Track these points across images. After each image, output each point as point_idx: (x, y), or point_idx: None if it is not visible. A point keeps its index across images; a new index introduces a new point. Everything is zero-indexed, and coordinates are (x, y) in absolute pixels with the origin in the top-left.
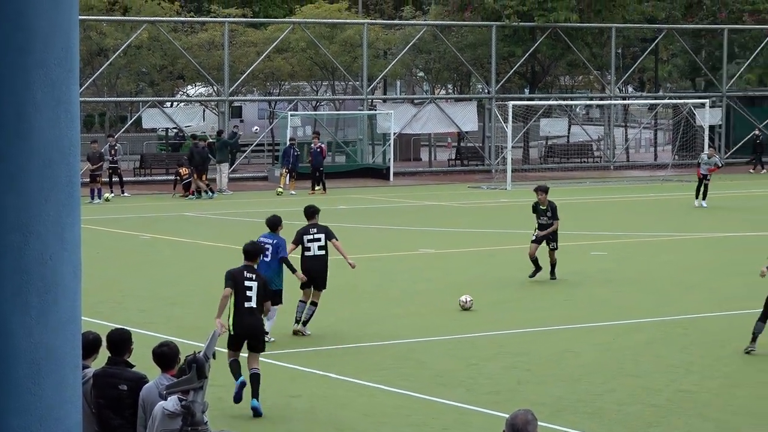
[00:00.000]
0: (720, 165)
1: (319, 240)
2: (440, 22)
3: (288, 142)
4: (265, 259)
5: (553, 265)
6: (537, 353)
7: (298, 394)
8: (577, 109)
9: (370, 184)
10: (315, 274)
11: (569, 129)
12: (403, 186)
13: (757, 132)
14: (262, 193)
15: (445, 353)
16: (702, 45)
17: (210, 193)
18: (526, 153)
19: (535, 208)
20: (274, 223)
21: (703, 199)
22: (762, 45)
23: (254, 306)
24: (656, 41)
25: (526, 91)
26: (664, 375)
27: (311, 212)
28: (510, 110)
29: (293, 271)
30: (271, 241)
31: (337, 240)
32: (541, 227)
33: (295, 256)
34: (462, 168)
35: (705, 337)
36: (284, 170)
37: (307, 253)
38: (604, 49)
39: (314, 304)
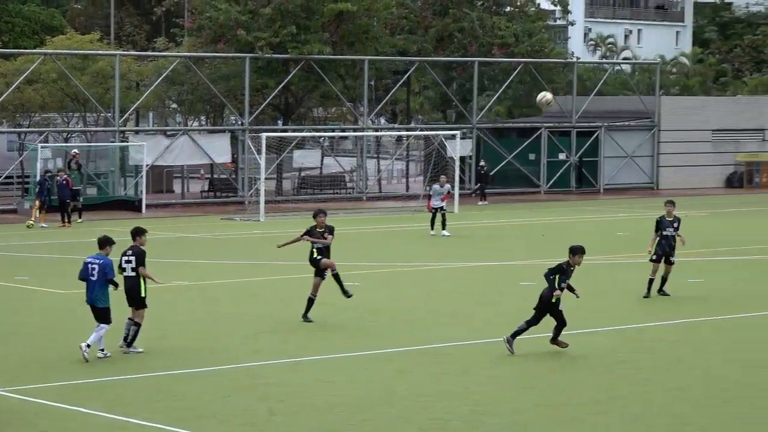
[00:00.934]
0: (451, 192)
1: (131, 262)
2: (193, 53)
3: (40, 175)
4: (92, 278)
5: (312, 299)
6: (291, 383)
7: (45, 431)
8: (321, 140)
9: (122, 216)
10: (128, 293)
11: (322, 160)
12: (155, 218)
13: (482, 163)
14: (11, 226)
15: (199, 385)
16: (453, 77)
17: None
18: (279, 184)
19: (310, 232)
20: (101, 244)
21: (443, 228)
22: (511, 77)
23: None
24: (408, 74)
25: (280, 122)
26: (416, 403)
27: (133, 233)
28: (263, 142)
29: (115, 286)
30: (98, 261)
31: (143, 267)
32: (320, 252)
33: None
34: (215, 200)
35: (456, 365)
36: (37, 202)
37: (124, 273)
38: (357, 81)
39: (136, 324)
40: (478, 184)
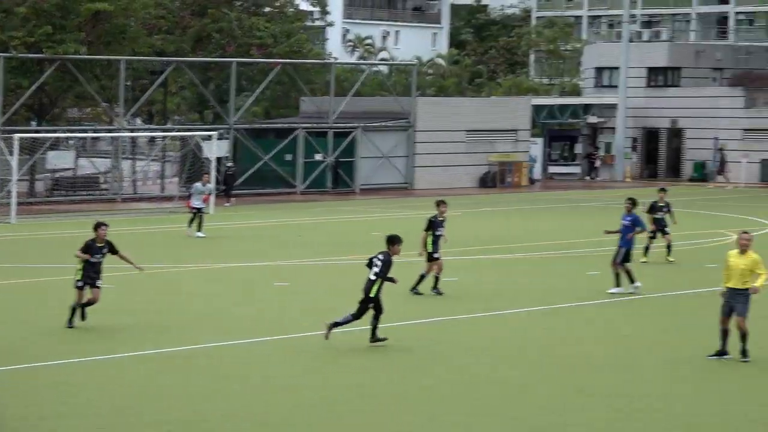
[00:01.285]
0: (212, 192)
1: None
2: None
3: None
4: None
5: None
6: (39, 387)
7: None
8: (73, 141)
9: None
10: None
11: (77, 161)
12: None
13: (229, 164)
14: None
15: None
16: (211, 78)
17: None
18: (32, 186)
19: (90, 247)
20: None
21: (199, 229)
22: (269, 78)
23: None
24: (165, 74)
25: (34, 123)
26: (167, 405)
27: None
28: (16, 143)
29: None
30: None
31: None
32: (92, 265)
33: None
34: None
35: (210, 366)
36: None
37: None
38: (113, 82)
39: None
40: (224, 186)
